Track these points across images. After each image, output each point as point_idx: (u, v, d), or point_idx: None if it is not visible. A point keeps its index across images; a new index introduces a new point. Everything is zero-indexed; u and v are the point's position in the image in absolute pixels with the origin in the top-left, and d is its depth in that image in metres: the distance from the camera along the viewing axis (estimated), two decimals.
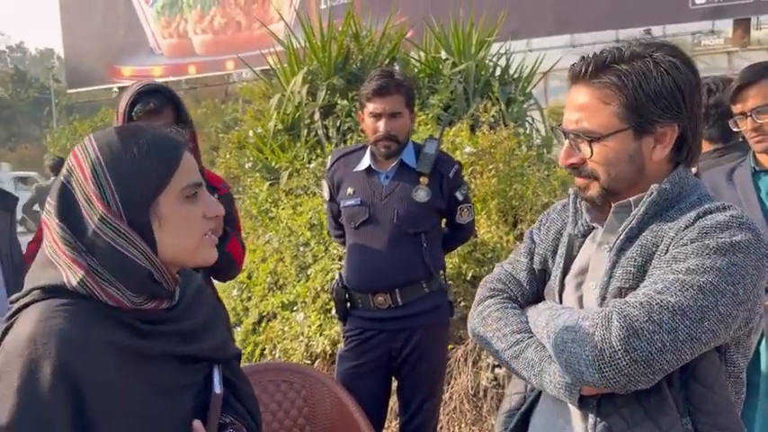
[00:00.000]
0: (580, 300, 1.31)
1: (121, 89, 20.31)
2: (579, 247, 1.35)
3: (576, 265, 1.34)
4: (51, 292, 1.05)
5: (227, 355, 1.24)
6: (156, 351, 1.10)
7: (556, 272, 1.37)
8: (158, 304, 1.12)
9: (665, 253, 1.17)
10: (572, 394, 1.20)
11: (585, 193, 1.29)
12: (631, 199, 1.25)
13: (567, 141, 1.28)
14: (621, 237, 1.23)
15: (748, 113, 2.09)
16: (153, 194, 1.08)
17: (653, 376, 1.11)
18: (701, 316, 1.09)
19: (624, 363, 1.10)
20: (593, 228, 1.33)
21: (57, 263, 1.06)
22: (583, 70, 1.24)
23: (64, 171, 1.09)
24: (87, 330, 1.03)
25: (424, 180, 2.52)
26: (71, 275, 1.04)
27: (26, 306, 1.06)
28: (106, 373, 1.02)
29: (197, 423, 1.13)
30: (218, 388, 1.17)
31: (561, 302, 1.34)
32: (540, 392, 1.37)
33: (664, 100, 1.19)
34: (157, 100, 2.07)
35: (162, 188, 1.08)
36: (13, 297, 1.09)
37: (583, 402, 1.20)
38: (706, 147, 2.53)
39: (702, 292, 1.10)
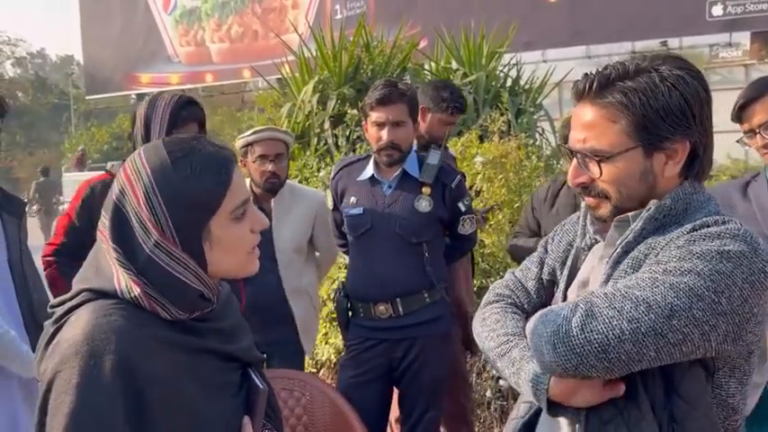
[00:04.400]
0: None
1: (139, 96, 20.59)
2: (584, 260, 1.35)
3: (578, 278, 1.33)
4: (101, 294, 1.07)
5: (255, 358, 1.26)
6: (203, 348, 1.13)
7: (561, 283, 1.36)
8: (202, 312, 1.15)
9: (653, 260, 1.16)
10: (539, 393, 1.19)
11: (596, 211, 1.26)
12: (630, 215, 1.23)
13: (574, 160, 1.25)
14: (618, 250, 1.21)
15: (757, 130, 2.05)
16: (206, 219, 1.09)
17: (609, 365, 1.08)
18: (668, 313, 1.06)
19: (578, 341, 1.08)
20: (599, 241, 1.32)
21: (114, 269, 1.08)
22: (587, 88, 1.20)
23: (116, 191, 1.09)
24: (142, 327, 1.05)
25: (426, 190, 2.51)
26: (125, 288, 1.07)
27: (76, 307, 1.07)
28: (162, 368, 1.04)
29: (246, 419, 1.15)
30: (261, 384, 1.19)
31: None
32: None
33: (673, 116, 1.16)
34: (196, 109, 2.32)
35: (214, 211, 1.09)
36: (57, 300, 1.11)
37: (569, 414, 1.20)
38: None
39: (674, 291, 1.07)
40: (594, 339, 1.07)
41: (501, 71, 5.68)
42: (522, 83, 5.81)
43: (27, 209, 2.45)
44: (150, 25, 18.47)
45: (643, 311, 1.06)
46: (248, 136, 2.80)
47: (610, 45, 12.21)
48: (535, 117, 5.47)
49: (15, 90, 35.26)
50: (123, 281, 1.07)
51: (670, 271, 1.09)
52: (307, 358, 3.77)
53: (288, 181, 2.94)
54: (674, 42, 12.31)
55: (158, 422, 1.02)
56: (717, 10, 11.24)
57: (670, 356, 1.09)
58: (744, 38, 12.27)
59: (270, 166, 2.75)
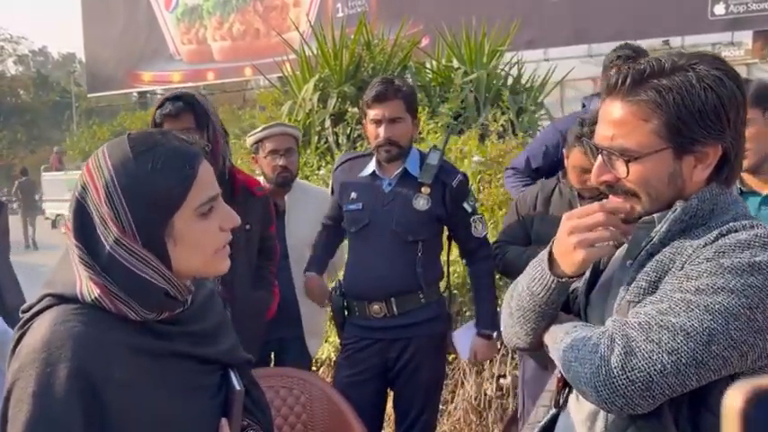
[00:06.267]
0: (603, 315, 1.26)
1: (141, 94, 20.65)
2: (608, 263, 1.32)
3: (601, 281, 1.31)
4: (63, 299, 1.05)
5: (238, 359, 1.24)
6: (173, 351, 1.10)
7: (583, 285, 1.33)
8: (171, 313, 1.12)
9: (680, 270, 1.10)
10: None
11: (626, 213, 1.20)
12: (655, 216, 1.18)
13: (599, 157, 1.19)
14: (642, 253, 1.18)
15: None
16: (168, 215, 1.05)
17: (653, 400, 1.06)
18: (707, 339, 1.02)
19: (620, 383, 1.06)
20: (622, 243, 1.28)
21: (77, 272, 1.06)
22: (619, 83, 1.15)
23: (79, 187, 1.07)
24: (104, 333, 1.03)
25: (425, 189, 2.50)
26: (86, 292, 1.04)
27: (40, 312, 1.06)
28: (124, 374, 1.02)
29: (224, 421, 1.13)
30: (238, 385, 1.17)
31: (586, 317, 1.30)
32: (559, 409, 1.34)
33: (707, 118, 1.10)
34: (176, 106, 2.17)
35: (177, 207, 1.05)
36: (26, 306, 1.10)
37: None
38: None
39: (710, 313, 1.03)
40: (637, 378, 1.05)
41: (502, 70, 5.67)
42: (523, 81, 5.80)
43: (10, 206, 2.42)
44: (152, 23, 18.45)
45: (682, 341, 1.04)
46: (259, 132, 2.87)
47: (611, 44, 12.15)
48: (536, 116, 5.47)
49: (17, 88, 35.28)
50: (84, 284, 1.04)
51: (702, 290, 1.05)
52: None
53: (298, 180, 3.00)
54: (676, 41, 12.25)
55: (122, 428, 1.01)
56: (719, 9, 11.20)
57: (709, 379, 1.06)
58: (746, 37, 12.20)
59: (281, 161, 2.83)
